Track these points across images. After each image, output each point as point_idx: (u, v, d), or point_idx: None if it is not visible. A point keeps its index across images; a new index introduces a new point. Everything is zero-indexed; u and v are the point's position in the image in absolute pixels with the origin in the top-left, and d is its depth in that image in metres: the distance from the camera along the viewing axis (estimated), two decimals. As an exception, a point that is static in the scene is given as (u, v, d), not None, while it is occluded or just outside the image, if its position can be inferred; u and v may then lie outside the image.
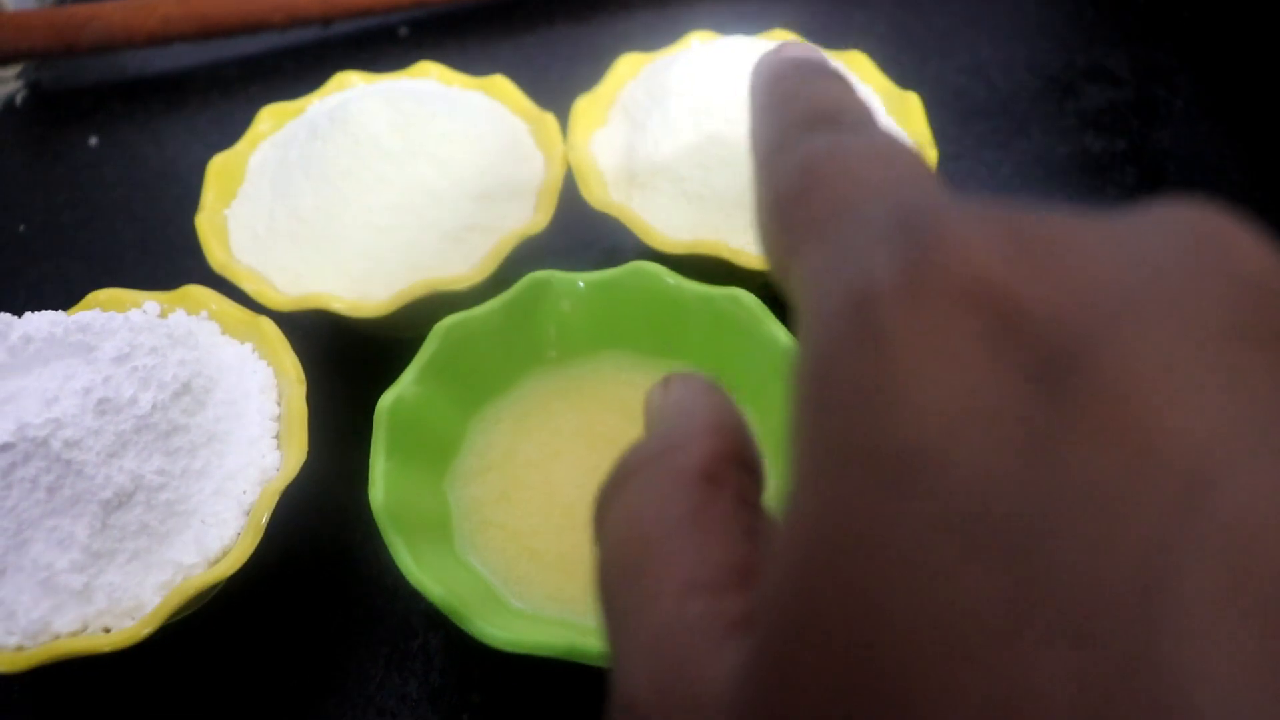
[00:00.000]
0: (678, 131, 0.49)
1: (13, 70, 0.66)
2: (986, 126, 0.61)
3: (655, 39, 0.56)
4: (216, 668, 0.43)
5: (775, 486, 0.42)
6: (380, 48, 0.65)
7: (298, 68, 0.59)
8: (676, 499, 0.19)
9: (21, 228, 0.59)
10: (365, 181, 0.47)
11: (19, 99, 0.66)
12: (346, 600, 0.44)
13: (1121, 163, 0.59)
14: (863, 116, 0.21)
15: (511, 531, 0.41)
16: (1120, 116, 0.61)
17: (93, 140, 0.63)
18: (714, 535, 0.19)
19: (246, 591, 0.44)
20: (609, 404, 0.44)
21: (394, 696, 0.42)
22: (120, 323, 0.42)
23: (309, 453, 0.42)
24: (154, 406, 0.39)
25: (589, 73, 0.55)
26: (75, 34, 0.63)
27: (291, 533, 0.45)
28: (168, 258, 0.53)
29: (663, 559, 0.18)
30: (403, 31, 0.68)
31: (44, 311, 0.42)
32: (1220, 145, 0.60)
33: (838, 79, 0.22)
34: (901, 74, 0.55)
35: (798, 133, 0.20)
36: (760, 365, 0.43)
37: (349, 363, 0.49)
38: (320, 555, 0.46)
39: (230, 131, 0.52)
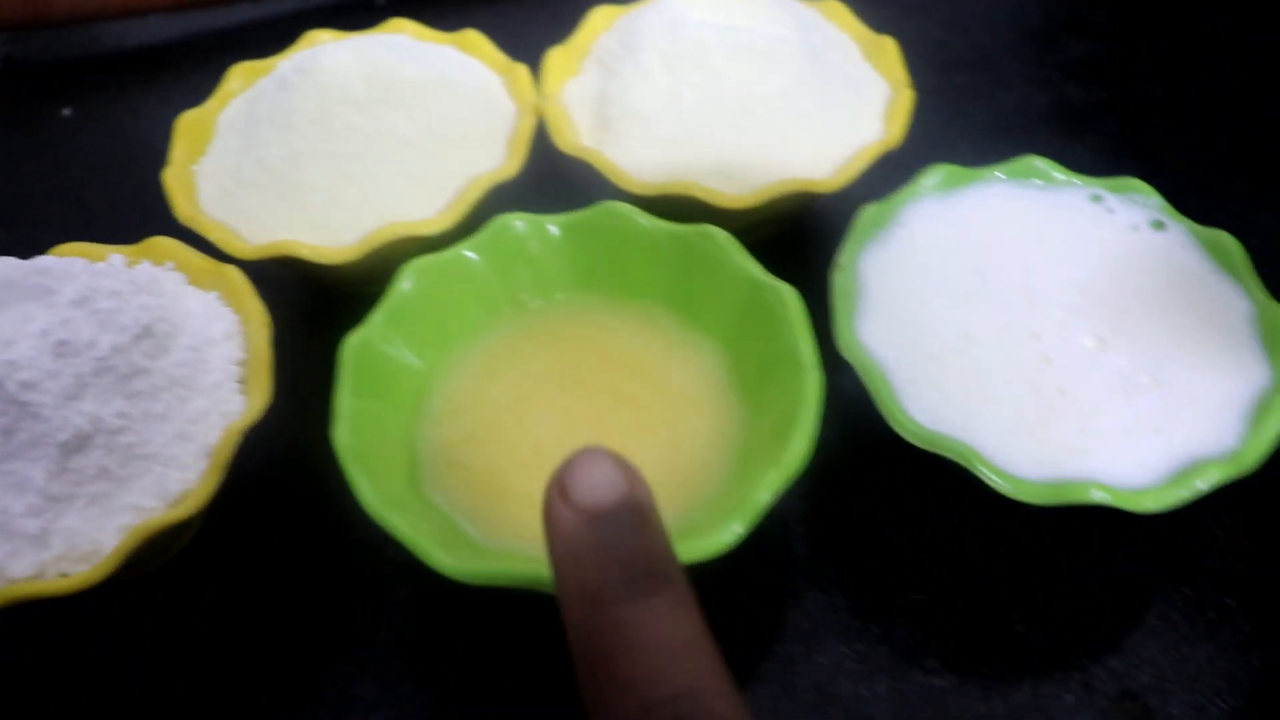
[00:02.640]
0: (650, 76, 0.48)
1: (-14, 46, 0.66)
2: (968, 79, 0.60)
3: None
4: (181, 616, 0.43)
5: (744, 417, 0.41)
6: (356, 17, 0.64)
7: (273, 35, 0.59)
8: None
9: (-9, 197, 0.58)
10: (333, 129, 0.46)
11: (-8, 74, 0.66)
12: (317, 551, 0.44)
13: (1103, 113, 0.58)
14: (666, 572, 0.26)
15: (480, 472, 0.40)
16: (1101, 68, 0.60)
17: (66, 112, 0.62)
18: None
19: (214, 541, 0.43)
20: (581, 346, 0.44)
21: (365, 645, 0.41)
22: (81, 267, 0.41)
23: (278, 400, 0.42)
24: (113, 349, 0.38)
25: (566, 32, 0.54)
26: (46, 6, 0.63)
27: (262, 483, 0.44)
28: (139, 219, 0.52)
29: None
30: (379, 0, 0.67)
31: (1, 257, 0.41)
32: (1208, 94, 0.59)
33: (645, 528, 0.27)
34: (882, 29, 0.54)
35: (609, 590, 0.26)
36: (733, 301, 0.42)
37: (320, 315, 0.49)
38: (291, 506, 0.45)
39: (205, 100, 0.52)
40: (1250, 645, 0.41)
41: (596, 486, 0.27)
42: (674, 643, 0.25)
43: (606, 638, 0.25)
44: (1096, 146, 0.57)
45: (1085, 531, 0.43)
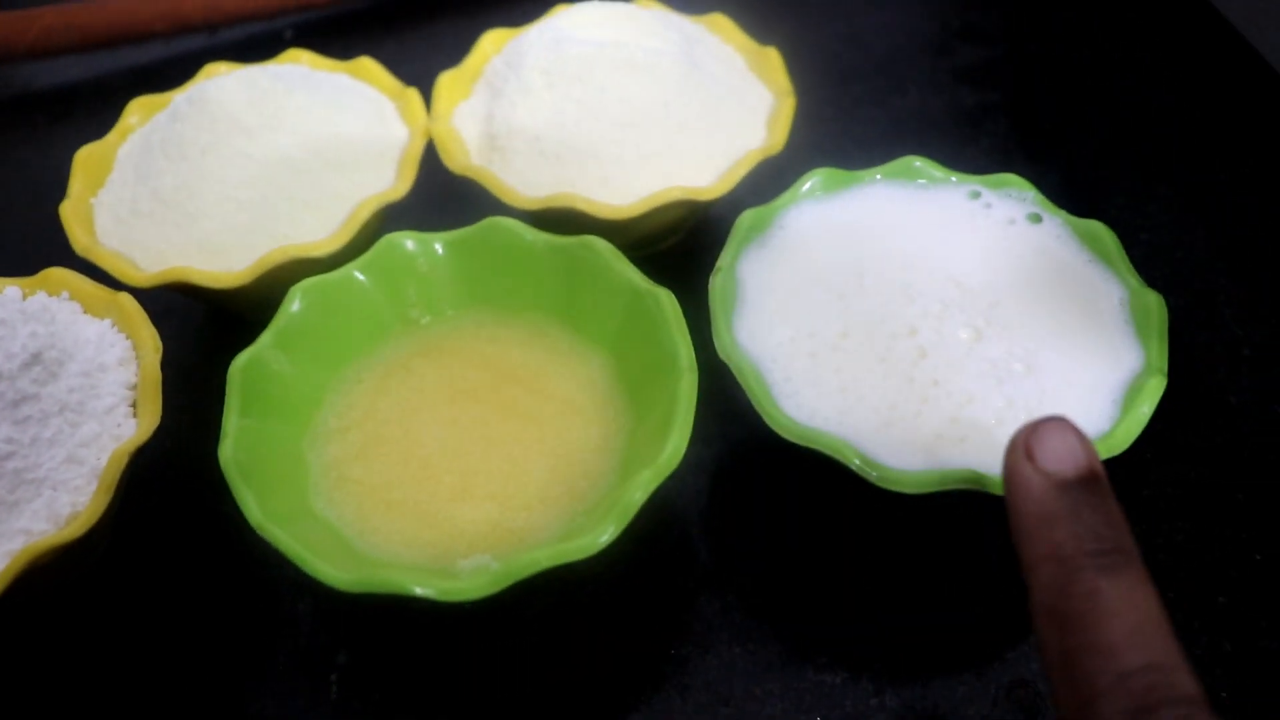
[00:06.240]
0: (533, 94, 0.49)
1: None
2: (863, 88, 0.61)
3: (529, 20, 0.56)
4: (81, 638, 0.43)
5: (629, 422, 0.42)
6: (265, 51, 0.65)
7: (181, 72, 0.59)
8: None
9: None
10: (224, 157, 0.47)
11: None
12: (214, 569, 0.44)
13: (995, 114, 0.59)
14: (1130, 549, 0.28)
15: (368, 486, 0.41)
16: (993, 72, 0.62)
17: (-25, 153, 0.63)
18: None
19: (116, 562, 0.44)
20: (470, 360, 0.44)
21: (261, 663, 0.42)
22: (-34, 300, 0.41)
23: (178, 423, 0.42)
24: (0, 376, 0.39)
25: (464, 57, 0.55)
26: (-46, 50, 0.63)
27: (163, 504, 0.45)
28: (43, 253, 0.52)
29: None
30: (288, 34, 0.68)
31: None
32: (1095, 95, 0.60)
33: (1108, 502, 0.29)
34: (778, 42, 0.55)
35: (1084, 558, 0.27)
36: (616, 309, 0.43)
37: (220, 341, 0.49)
38: (190, 528, 0.45)
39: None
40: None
41: (1063, 454, 0.29)
42: (1143, 616, 0.27)
43: (1082, 603, 0.27)
44: (989, 148, 0.58)
45: (975, 524, 0.44)
